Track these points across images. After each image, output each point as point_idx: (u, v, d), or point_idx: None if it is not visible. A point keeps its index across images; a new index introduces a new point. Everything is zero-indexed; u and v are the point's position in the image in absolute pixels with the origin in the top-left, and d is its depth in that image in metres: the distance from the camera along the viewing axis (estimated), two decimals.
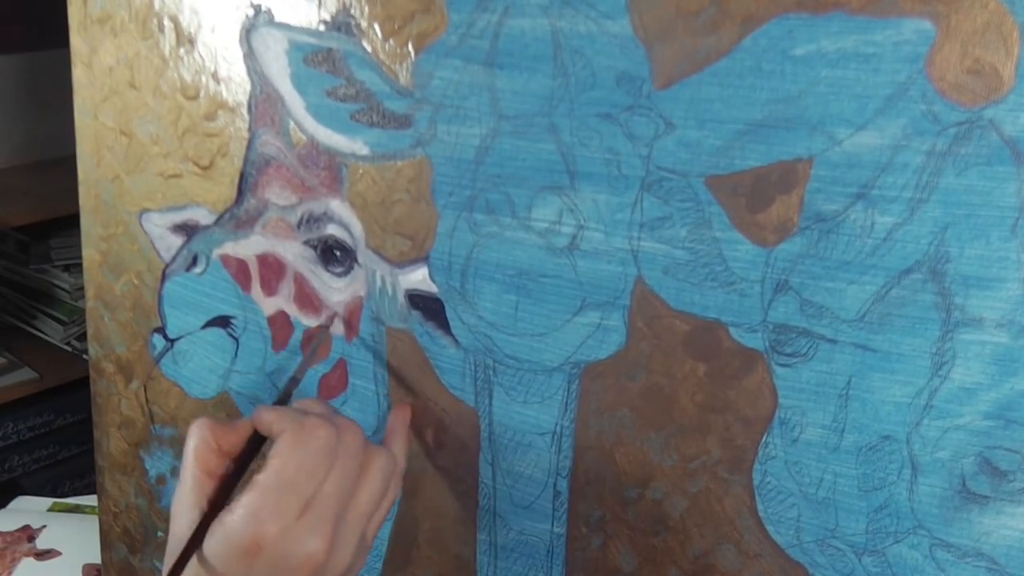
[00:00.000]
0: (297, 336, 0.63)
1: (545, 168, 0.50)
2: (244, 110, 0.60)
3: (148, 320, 0.70)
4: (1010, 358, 0.42)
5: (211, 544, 0.45)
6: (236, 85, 0.60)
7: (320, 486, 0.45)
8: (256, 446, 0.50)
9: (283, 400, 0.55)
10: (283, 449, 0.46)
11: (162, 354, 0.70)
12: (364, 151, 0.56)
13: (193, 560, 0.45)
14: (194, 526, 0.46)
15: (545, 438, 0.55)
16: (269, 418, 0.48)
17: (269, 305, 0.63)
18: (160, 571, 0.54)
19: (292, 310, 0.62)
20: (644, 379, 0.51)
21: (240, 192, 0.62)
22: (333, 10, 0.55)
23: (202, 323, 0.66)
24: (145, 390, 0.72)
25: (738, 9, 0.44)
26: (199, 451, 0.48)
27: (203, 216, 0.64)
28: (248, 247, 0.63)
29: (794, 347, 0.47)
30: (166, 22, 0.63)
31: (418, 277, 0.56)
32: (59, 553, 1.03)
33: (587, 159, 0.49)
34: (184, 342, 0.68)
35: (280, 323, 0.63)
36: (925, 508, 0.46)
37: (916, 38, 0.41)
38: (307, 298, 0.62)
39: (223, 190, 0.63)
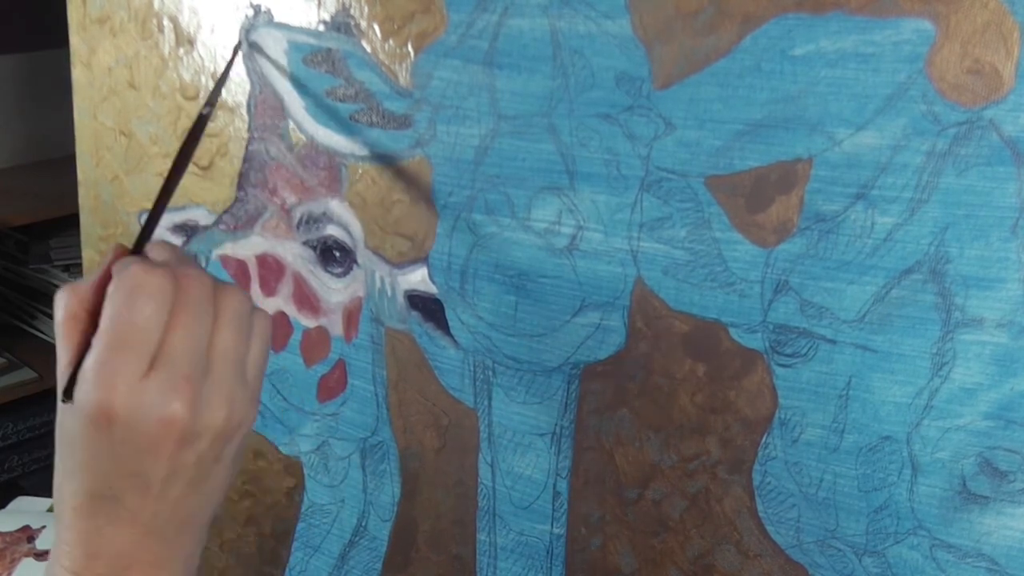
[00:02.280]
0: (296, 337, 0.63)
1: (544, 168, 0.50)
2: (243, 110, 0.60)
3: None
4: (1010, 358, 0.42)
5: (67, 422, 0.41)
6: (235, 85, 0.60)
7: (164, 338, 0.40)
8: None
9: (192, 136, 0.48)
10: (113, 301, 0.40)
11: None
12: (363, 151, 0.56)
13: (59, 445, 0.42)
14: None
15: (544, 439, 0.55)
16: (114, 268, 0.42)
17: (268, 305, 0.63)
18: None
19: (291, 310, 0.62)
20: (644, 379, 0.51)
21: (239, 192, 0.62)
22: (332, 10, 0.55)
23: None
24: None
25: (737, 9, 0.44)
26: (66, 322, 0.42)
27: (202, 216, 0.64)
28: (247, 247, 0.63)
29: (794, 347, 0.47)
30: (165, 22, 0.62)
31: (417, 278, 0.56)
32: None
33: (586, 159, 0.49)
34: None
35: (279, 323, 0.63)
36: (925, 509, 0.46)
37: (916, 38, 0.41)
38: (306, 298, 0.61)
39: (222, 190, 0.63)
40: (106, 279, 0.41)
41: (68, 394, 0.40)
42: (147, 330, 0.40)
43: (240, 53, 0.58)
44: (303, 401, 0.64)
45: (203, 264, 0.65)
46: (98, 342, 0.40)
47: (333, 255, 0.60)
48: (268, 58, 0.58)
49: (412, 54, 0.53)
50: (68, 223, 1.72)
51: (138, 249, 0.44)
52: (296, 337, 0.63)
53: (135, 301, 0.40)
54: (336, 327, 0.61)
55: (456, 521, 0.60)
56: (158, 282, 0.40)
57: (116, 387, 0.39)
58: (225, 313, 0.42)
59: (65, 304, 0.42)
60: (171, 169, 0.47)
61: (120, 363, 0.39)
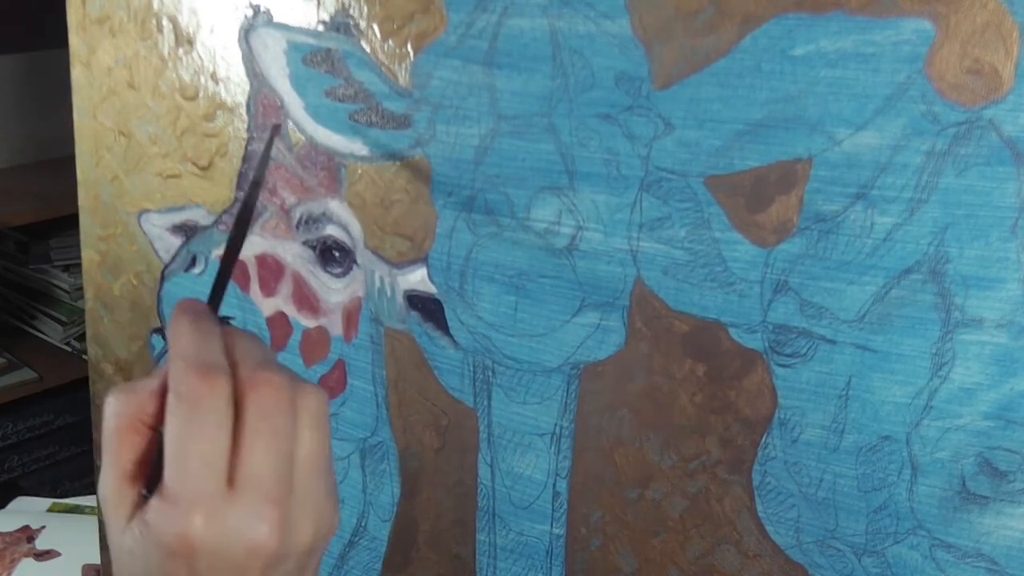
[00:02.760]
0: (296, 337, 0.63)
1: (544, 168, 0.50)
2: (243, 110, 0.60)
3: (147, 321, 0.70)
4: (1010, 358, 0.42)
5: (134, 547, 0.37)
6: (235, 85, 0.60)
7: (242, 456, 0.36)
8: None
9: (244, 212, 0.45)
10: (174, 419, 0.36)
11: (161, 355, 0.70)
12: (363, 151, 0.56)
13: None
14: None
15: (544, 439, 0.55)
16: (169, 377, 0.38)
17: (268, 306, 0.63)
18: None
19: (290, 311, 0.62)
20: (643, 380, 0.51)
21: (239, 193, 0.62)
22: (332, 10, 0.55)
23: None
24: None
25: (737, 9, 0.44)
26: (121, 432, 0.38)
27: (202, 216, 0.64)
28: (247, 248, 0.63)
29: (794, 347, 0.47)
30: (165, 22, 0.62)
31: (417, 278, 0.56)
32: (58, 554, 1.03)
33: (586, 159, 0.49)
34: None
35: (279, 324, 0.63)
36: (925, 509, 0.46)
37: (915, 38, 0.41)
38: (305, 299, 0.61)
39: (222, 190, 0.63)
40: (164, 386, 0.38)
41: (132, 517, 0.37)
42: (218, 451, 0.36)
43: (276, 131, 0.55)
44: None
45: (203, 265, 0.65)
46: (169, 468, 0.36)
47: (332, 255, 0.60)
48: (267, 58, 0.58)
49: (412, 54, 0.53)
50: (68, 223, 1.72)
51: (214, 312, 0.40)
52: (295, 337, 0.63)
53: (199, 422, 0.36)
54: (336, 327, 0.61)
55: (456, 521, 0.60)
56: (220, 401, 0.36)
57: (195, 515, 0.36)
58: (305, 420, 0.38)
59: (119, 412, 0.38)
60: (230, 242, 0.43)
61: (197, 489, 0.36)
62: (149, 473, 0.38)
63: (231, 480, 0.36)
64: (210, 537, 0.36)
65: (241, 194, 0.62)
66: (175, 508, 0.36)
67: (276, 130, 0.53)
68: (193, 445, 0.36)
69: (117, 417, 0.38)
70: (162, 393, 0.38)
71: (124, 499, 0.38)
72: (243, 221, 0.44)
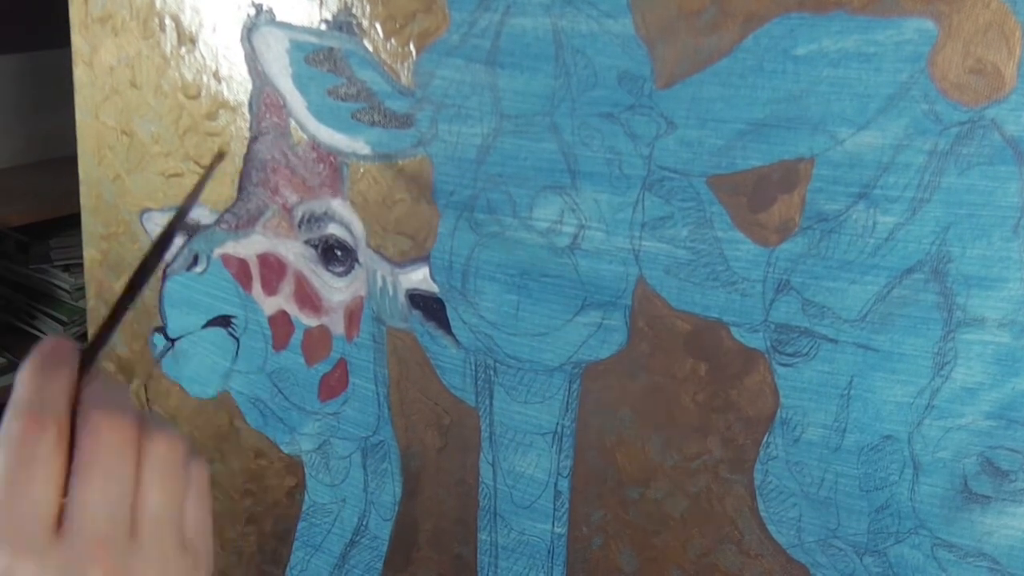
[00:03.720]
0: (297, 336, 0.63)
1: (546, 167, 0.50)
2: (245, 109, 0.60)
3: (149, 319, 0.70)
4: (1012, 358, 0.42)
5: None
6: (237, 84, 0.60)
7: (72, 496, 0.34)
8: None
9: (165, 234, 0.42)
10: (2, 463, 0.34)
11: (163, 353, 0.70)
12: (365, 150, 0.56)
13: None
14: None
15: (546, 438, 0.55)
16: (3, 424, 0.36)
17: (270, 305, 0.63)
18: None
19: (292, 309, 0.62)
20: (645, 379, 0.51)
21: (241, 191, 0.62)
22: (334, 9, 0.55)
23: (203, 323, 0.66)
24: (146, 389, 0.72)
25: (740, 8, 0.44)
26: None
27: (204, 215, 0.64)
28: (249, 247, 0.63)
29: (795, 347, 0.47)
30: (167, 21, 0.63)
31: (419, 277, 0.56)
32: None
33: (588, 159, 0.49)
34: (185, 342, 0.68)
35: (281, 323, 0.63)
36: (927, 508, 0.46)
37: (918, 38, 0.41)
38: (307, 297, 0.61)
39: (224, 189, 0.63)
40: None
41: None
42: (43, 496, 0.34)
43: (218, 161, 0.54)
44: (304, 400, 0.64)
45: (205, 264, 0.65)
46: None
47: (335, 254, 0.60)
48: (270, 57, 0.58)
49: (414, 53, 0.53)
50: (68, 223, 1.72)
51: (91, 353, 0.38)
52: (297, 336, 0.63)
53: (22, 464, 0.34)
54: (337, 326, 0.61)
55: (457, 520, 0.60)
56: (45, 443, 0.34)
57: (18, 563, 0.33)
58: (149, 463, 0.35)
59: None
60: (125, 288, 0.40)
61: (21, 536, 0.33)
62: None
63: (60, 524, 0.34)
64: None
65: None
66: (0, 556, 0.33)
67: (220, 159, 0.51)
68: (15, 488, 0.34)
69: None
70: None
71: None
72: (154, 257, 0.41)
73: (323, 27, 0.55)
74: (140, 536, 0.35)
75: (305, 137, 0.58)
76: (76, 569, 0.34)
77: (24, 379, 0.36)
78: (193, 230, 0.65)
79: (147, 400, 0.72)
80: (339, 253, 0.59)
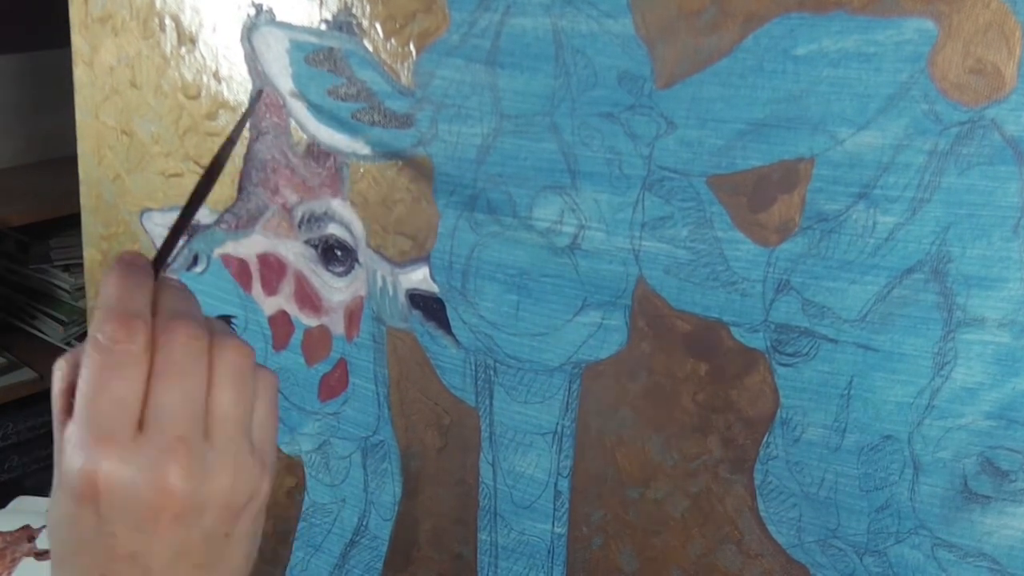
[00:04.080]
0: (297, 336, 0.63)
1: (546, 167, 0.50)
2: (245, 109, 0.60)
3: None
4: (1012, 358, 0.42)
5: (54, 507, 0.37)
6: (237, 84, 0.60)
7: (150, 398, 0.36)
8: None
9: (217, 162, 0.45)
10: (85, 362, 0.36)
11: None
12: (365, 150, 0.56)
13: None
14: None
15: (546, 438, 0.55)
16: (90, 328, 0.38)
17: (270, 305, 0.63)
18: None
19: (292, 309, 0.62)
20: (645, 379, 0.51)
21: (241, 191, 0.62)
22: (334, 9, 0.55)
23: None
24: None
25: (739, 8, 0.44)
26: (61, 394, 0.38)
27: (204, 215, 0.64)
28: (249, 247, 0.63)
29: (795, 347, 0.47)
30: (167, 21, 0.63)
31: (419, 277, 0.56)
32: None
33: (588, 158, 0.49)
34: None
35: (281, 323, 0.63)
36: (927, 508, 0.46)
37: (918, 38, 0.41)
38: (307, 297, 0.61)
39: (224, 189, 0.63)
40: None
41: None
42: (128, 394, 0.36)
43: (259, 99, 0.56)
44: (304, 400, 0.64)
45: (205, 264, 0.65)
46: (77, 412, 0.36)
47: (335, 254, 0.60)
48: (270, 57, 0.58)
49: (414, 53, 0.53)
50: (68, 223, 1.72)
51: (158, 264, 0.41)
52: (297, 336, 0.63)
53: (109, 365, 0.36)
54: (338, 326, 0.61)
55: (457, 520, 0.60)
56: (133, 345, 0.36)
57: (100, 456, 0.35)
58: (221, 369, 0.37)
59: (58, 376, 0.38)
60: (190, 198, 0.43)
61: (104, 431, 0.35)
62: None
63: (141, 424, 0.36)
64: (116, 478, 0.35)
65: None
66: (80, 451, 0.35)
67: (259, 96, 0.54)
68: (103, 387, 0.35)
69: (56, 382, 0.38)
70: None
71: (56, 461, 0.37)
72: (211, 175, 0.44)
73: (323, 27, 0.55)
74: (213, 436, 0.36)
75: (305, 137, 0.58)
76: (156, 464, 0.35)
77: (112, 284, 0.38)
78: (193, 230, 0.65)
79: None
80: (339, 253, 0.59)
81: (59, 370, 0.38)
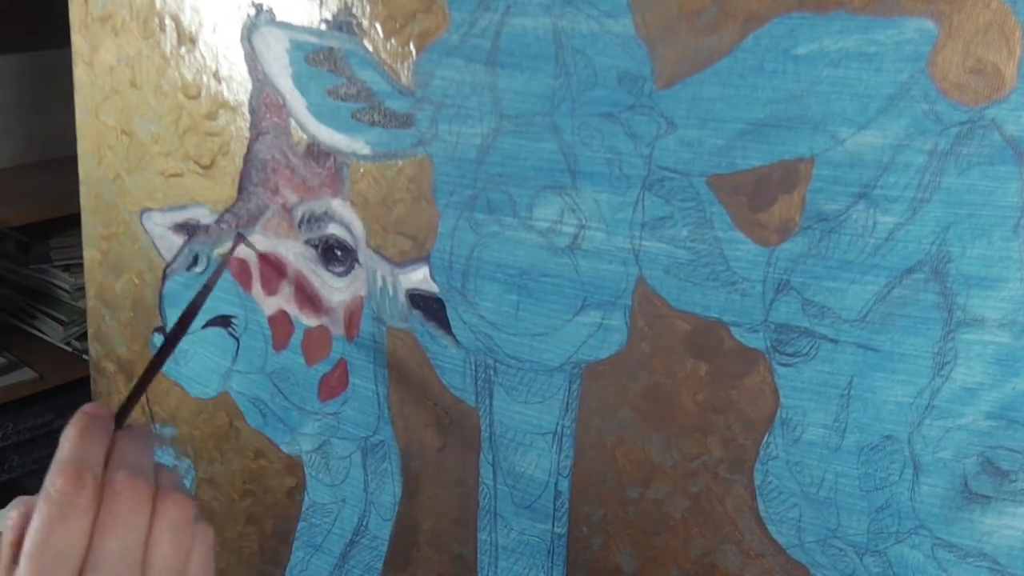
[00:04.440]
0: (297, 336, 0.63)
1: (546, 167, 0.50)
2: (245, 109, 0.60)
3: (149, 320, 0.70)
4: (1012, 358, 0.42)
5: None
6: (237, 84, 0.60)
7: (92, 548, 0.39)
8: None
9: (190, 312, 0.49)
10: (35, 515, 0.39)
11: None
12: (365, 150, 0.56)
13: None
14: None
15: (546, 438, 0.55)
16: (46, 482, 0.41)
17: (270, 305, 0.63)
18: None
19: (292, 309, 0.62)
20: (645, 379, 0.51)
21: (241, 191, 0.62)
22: (334, 9, 0.55)
23: (203, 323, 0.66)
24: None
25: (740, 8, 0.44)
26: (9, 545, 0.40)
27: (204, 215, 0.64)
28: (249, 247, 0.63)
29: (796, 347, 0.47)
30: (167, 21, 0.63)
31: (419, 277, 0.56)
32: None
33: (588, 158, 0.49)
34: (185, 342, 0.68)
35: (281, 323, 0.63)
36: (927, 508, 0.46)
37: (918, 37, 0.41)
38: (307, 298, 0.61)
39: (224, 189, 0.63)
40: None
41: None
42: (72, 547, 0.39)
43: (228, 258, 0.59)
44: (304, 400, 0.64)
45: (205, 264, 0.65)
46: (22, 564, 0.39)
47: (335, 254, 0.60)
48: (270, 57, 0.58)
49: (414, 53, 0.53)
50: (68, 223, 1.72)
51: (119, 421, 0.44)
52: (297, 336, 0.63)
53: (56, 517, 0.39)
54: (337, 326, 0.61)
55: (457, 520, 0.60)
56: (81, 500, 0.39)
57: None
58: (160, 522, 0.41)
59: (11, 526, 0.41)
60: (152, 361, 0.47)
61: (50, 573, 0.38)
62: None
63: (82, 573, 0.39)
64: None
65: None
66: None
67: (240, 239, 0.58)
68: (48, 539, 0.38)
69: (7, 532, 0.40)
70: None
71: None
72: (181, 327, 0.49)
73: (323, 27, 0.55)
74: None
75: (305, 137, 0.58)
76: None
77: (69, 438, 0.42)
78: (193, 230, 0.65)
79: (147, 400, 0.72)
80: (339, 253, 0.59)
81: (9, 520, 0.41)
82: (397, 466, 0.62)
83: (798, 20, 0.43)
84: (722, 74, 0.45)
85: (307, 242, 0.60)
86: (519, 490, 0.57)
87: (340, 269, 0.60)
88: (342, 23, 0.55)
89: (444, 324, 0.56)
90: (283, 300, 0.62)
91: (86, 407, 0.43)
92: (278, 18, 0.57)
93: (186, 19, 0.62)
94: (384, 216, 0.57)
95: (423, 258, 0.56)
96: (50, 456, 0.41)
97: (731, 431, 0.50)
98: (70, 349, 1.89)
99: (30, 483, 1.85)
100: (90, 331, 0.75)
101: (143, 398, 0.72)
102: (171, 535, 0.41)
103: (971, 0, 0.40)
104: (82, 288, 0.76)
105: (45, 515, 0.39)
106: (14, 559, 0.40)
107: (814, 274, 0.45)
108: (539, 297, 0.53)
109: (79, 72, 0.68)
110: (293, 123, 0.58)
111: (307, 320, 0.62)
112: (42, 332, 1.91)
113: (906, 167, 0.42)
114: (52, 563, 0.38)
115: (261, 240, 0.62)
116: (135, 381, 0.47)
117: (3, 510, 0.42)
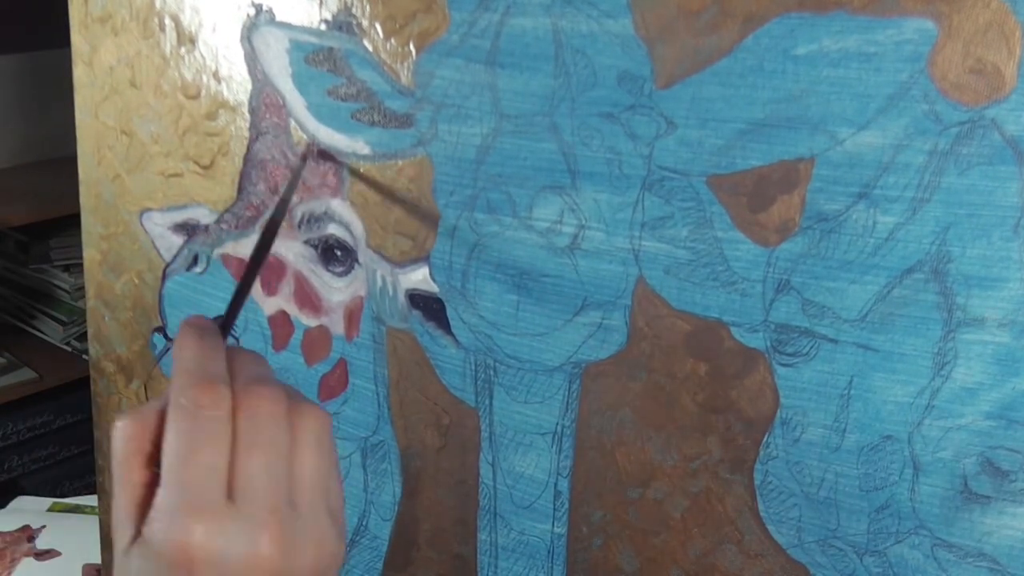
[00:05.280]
0: (297, 336, 0.63)
1: (546, 167, 0.50)
2: (245, 109, 0.60)
3: (148, 320, 0.70)
4: (1012, 358, 0.42)
5: (136, 567, 0.36)
6: (237, 84, 0.60)
7: (238, 468, 0.36)
8: None
9: (268, 234, 0.47)
10: (172, 432, 0.37)
11: (162, 354, 0.70)
12: (365, 150, 0.56)
13: None
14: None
15: (546, 438, 0.55)
16: (172, 392, 0.38)
17: (269, 305, 0.63)
18: None
19: (292, 309, 0.62)
20: (645, 379, 0.51)
21: (241, 191, 0.62)
22: (334, 9, 0.55)
23: None
24: (145, 390, 0.72)
25: (740, 8, 0.44)
26: (129, 457, 0.38)
27: (204, 215, 0.64)
28: (249, 247, 0.63)
29: (795, 347, 0.47)
30: (167, 21, 0.62)
31: (419, 277, 0.56)
32: (59, 553, 1.03)
33: (588, 158, 0.49)
34: None
35: (280, 323, 0.63)
36: (927, 508, 0.46)
37: (918, 37, 0.41)
38: (307, 298, 0.61)
39: (224, 189, 0.63)
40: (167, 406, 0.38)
41: (138, 534, 0.37)
42: (217, 462, 0.36)
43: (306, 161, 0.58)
44: None
45: (205, 264, 0.65)
46: (166, 478, 0.36)
47: (334, 254, 0.60)
48: (269, 57, 0.58)
49: (414, 53, 0.53)
50: (68, 223, 1.72)
51: (226, 330, 0.41)
52: (297, 336, 0.63)
53: (197, 432, 0.36)
54: (337, 326, 0.61)
55: (457, 520, 0.60)
56: (220, 412, 0.37)
57: (194, 525, 0.35)
58: (303, 436, 0.38)
59: (127, 435, 0.38)
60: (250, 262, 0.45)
61: (196, 500, 0.36)
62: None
63: (229, 491, 0.36)
64: (210, 547, 0.35)
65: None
66: (174, 519, 0.35)
67: (310, 150, 0.56)
68: (192, 455, 0.36)
69: (124, 442, 0.38)
70: (166, 414, 0.38)
71: (132, 523, 0.37)
72: (268, 237, 0.46)
73: (323, 27, 0.55)
74: (299, 505, 0.37)
75: (305, 137, 0.58)
76: (248, 534, 0.36)
77: (189, 348, 0.39)
78: (193, 230, 0.65)
79: (147, 400, 0.72)
80: (339, 253, 0.59)
81: (119, 431, 0.38)
82: (397, 466, 0.62)
83: (798, 20, 0.43)
84: (722, 74, 0.45)
85: (307, 242, 0.60)
86: (519, 490, 0.57)
87: (340, 269, 0.60)
88: (342, 23, 0.55)
89: (444, 324, 0.56)
90: (283, 300, 0.62)
91: (191, 318, 0.41)
92: (278, 18, 0.57)
93: (186, 19, 0.62)
94: (384, 216, 0.57)
95: (423, 258, 0.56)
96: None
97: (731, 431, 0.50)
98: (70, 349, 1.89)
99: (30, 483, 1.85)
100: (90, 331, 0.75)
101: (144, 398, 0.72)
102: (315, 448, 0.38)
103: (971, 0, 0.40)
104: (82, 288, 0.76)
105: (185, 429, 0.36)
106: (147, 466, 0.37)
107: (814, 274, 0.45)
108: (539, 297, 0.53)
109: (79, 72, 0.68)
110: (293, 123, 0.58)
111: (307, 320, 0.62)
112: (42, 332, 1.91)
113: (906, 167, 0.42)
114: (201, 481, 0.36)
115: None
116: (232, 297, 0.44)
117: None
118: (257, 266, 0.46)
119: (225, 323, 0.42)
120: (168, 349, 0.65)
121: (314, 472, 0.38)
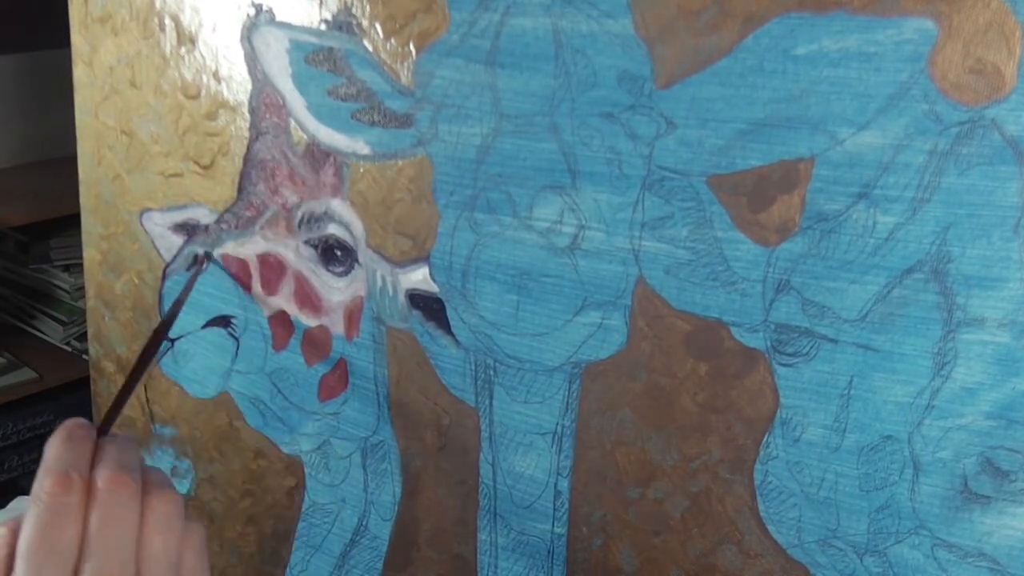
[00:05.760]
0: (297, 336, 0.63)
1: (546, 167, 0.50)
2: (245, 109, 0.60)
3: (149, 319, 0.70)
4: (1012, 358, 0.42)
5: None
6: (237, 84, 0.60)
7: (86, 545, 0.40)
8: None
9: (165, 324, 0.50)
10: (27, 517, 0.40)
11: (162, 354, 0.70)
12: (365, 150, 0.56)
13: None
14: None
15: (546, 438, 0.55)
16: (34, 488, 0.42)
17: (270, 305, 0.63)
18: None
19: (292, 310, 0.62)
20: (645, 379, 0.51)
21: (241, 191, 0.62)
22: (334, 9, 0.55)
23: (203, 323, 0.66)
24: (145, 390, 0.72)
25: (740, 8, 0.44)
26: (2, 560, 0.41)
27: (204, 215, 0.64)
28: (249, 247, 0.63)
29: (795, 347, 0.47)
30: (167, 21, 0.63)
31: (419, 277, 0.56)
32: None
33: (588, 158, 0.49)
34: (184, 342, 0.68)
35: (280, 323, 0.63)
36: (927, 508, 0.46)
37: (918, 37, 0.41)
38: (307, 298, 0.61)
39: (224, 189, 0.63)
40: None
41: None
42: (65, 548, 0.39)
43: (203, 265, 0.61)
44: (304, 400, 0.64)
45: (205, 264, 0.65)
46: (19, 564, 0.39)
47: (334, 254, 0.60)
48: (269, 57, 0.58)
49: (414, 53, 0.53)
50: (68, 223, 1.72)
51: (103, 431, 0.45)
52: (297, 336, 0.63)
53: (48, 517, 0.39)
54: (337, 326, 0.61)
55: (457, 520, 0.60)
56: (69, 498, 0.40)
57: None
58: (152, 516, 0.41)
59: (1, 542, 0.41)
60: (131, 372, 0.49)
61: (46, 574, 0.39)
62: None
63: (77, 572, 0.39)
64: None
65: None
66: None
67: (205, 259, 0.60)
68: (42, 539, 0.39)
69: None
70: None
71: None
72: (156, 340, 0.51)
73: (323, 27, 0.55)
74: None
75: (305, 137, 0.58)
76: None
77: (53, 447, 0.43)
78: (193, 230, 0.65)
79: (147, 400, 0.72)
80: (339, 253, 0.59)
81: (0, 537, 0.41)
82: (397, 466, 0.62)
83: (798, 20, 0.43)
84: (722, 74, 0.45)
85: (307, 242, 0.60)
86: (519, 490, 0.57)
87: (340, 269, 0.60)
88: (342, 23, 0.55)
89: (444, 324, 0.56)
90: (283, 300, 0.62)
91: (67, 421, 0.44)
92: (278, 18, 0.57)
93: (186, 19, 0.62)
94: (384, 216, 0.57)
95: (423, 258, 0.56)
96: None
97: (731, 431, 0.50)
98: (70, 349, 1.89)
99: (30, 483, 1.85)
100: (90, 331, 0.75)
101: (144, 398, 0.72)
102: (162, 530, 0.41)
103: (971, 0, 0.40)
104: (82, 288, 0.76)
105: (36, 517, 0.40)
106: (8, 569, 0.40)
107: (814, 274, 0.45)
108: (539, 297, 0.53)
109: (79, 72, 0.68)
110: (293, 123, 0.58)
111: (307, 320, 0.62)
112: (42, 332, 1.91)
113: (906, 167, 0.42)
114: (48, 562, 0.39)
115: (261, 240, 0.62)
116: (118, 392, 0.48)
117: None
118: (143, 368, 0.49)
119: (106, 419, 0.46)
120: (168, 349, 0.65)
121: (160, 551, 0.41)
